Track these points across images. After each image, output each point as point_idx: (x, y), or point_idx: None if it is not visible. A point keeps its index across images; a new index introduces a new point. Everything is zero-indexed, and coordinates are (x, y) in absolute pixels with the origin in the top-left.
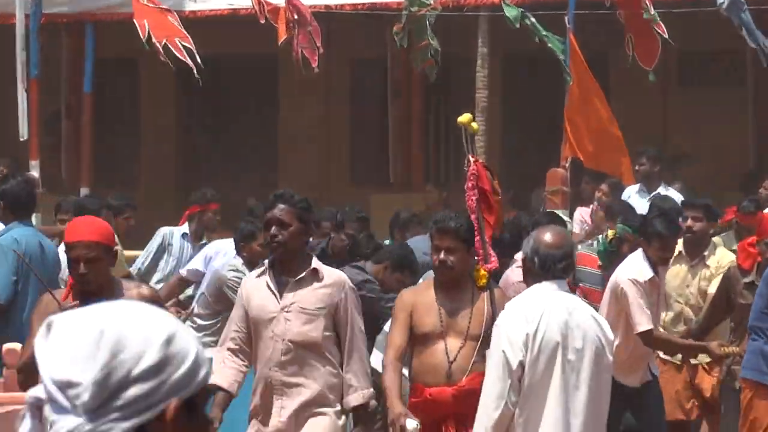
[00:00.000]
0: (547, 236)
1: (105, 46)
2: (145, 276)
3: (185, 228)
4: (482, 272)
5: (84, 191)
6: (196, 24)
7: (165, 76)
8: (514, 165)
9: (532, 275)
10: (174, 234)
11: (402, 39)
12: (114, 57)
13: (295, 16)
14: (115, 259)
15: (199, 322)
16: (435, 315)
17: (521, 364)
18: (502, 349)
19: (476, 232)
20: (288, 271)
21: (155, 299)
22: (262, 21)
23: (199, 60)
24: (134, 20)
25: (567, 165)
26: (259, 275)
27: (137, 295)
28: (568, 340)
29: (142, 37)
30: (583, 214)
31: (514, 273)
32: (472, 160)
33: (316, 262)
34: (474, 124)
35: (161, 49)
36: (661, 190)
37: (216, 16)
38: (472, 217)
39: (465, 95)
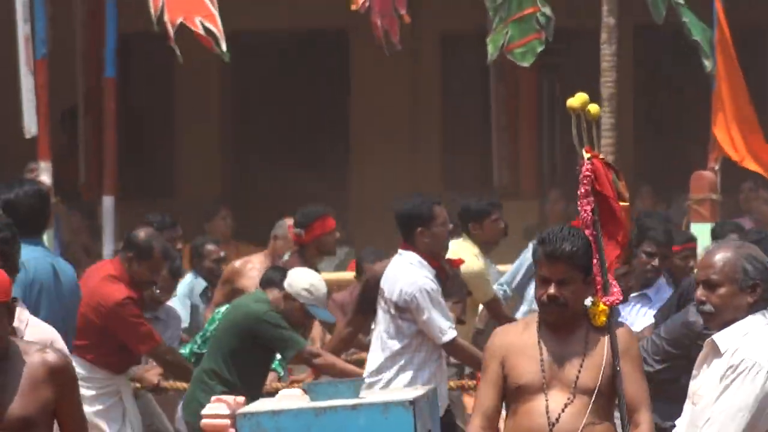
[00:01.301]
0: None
1: (131, 18)
2: (512, 296)
3: None
4: (601, 307)
5: (107, 201)
6: None
7: (207, 56)
8: (649, 167)
9: (759, 302)
10: None
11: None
12: (143, 31)
13: None
14: (12, 316)
15: None
16: (535, 362)
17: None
18: (746, 397)
19: (594, 255)
20: None
21: (61, 370)
22: None
23: (224, 47)
24: None
25: (717, 167)
26: None
27: (41, 363)
28: None
29: (152, 12)
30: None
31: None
32: (587, 155)
33: None
34: (593, 107)
35: (171, 33)
36: None
37: None
38: (587, 233)
39: (587, 78)
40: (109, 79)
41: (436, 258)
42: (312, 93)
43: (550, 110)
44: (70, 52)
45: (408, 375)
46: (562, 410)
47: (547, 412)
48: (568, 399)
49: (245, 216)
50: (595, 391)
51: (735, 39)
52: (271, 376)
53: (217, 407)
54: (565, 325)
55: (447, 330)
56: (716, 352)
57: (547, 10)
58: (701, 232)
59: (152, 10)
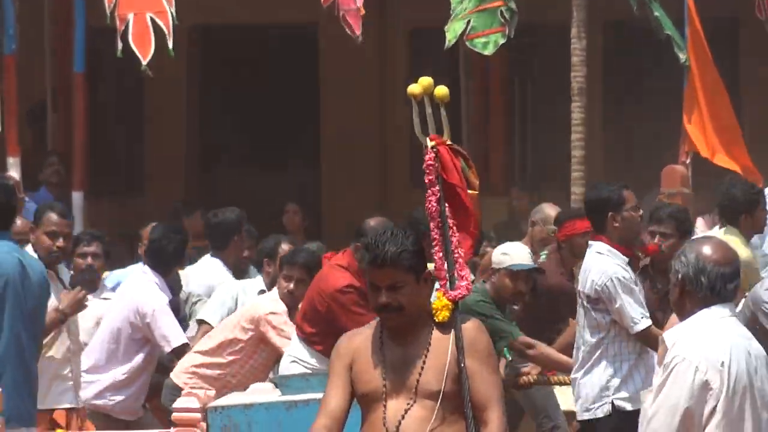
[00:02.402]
0: (712, 250)
1: (99, 11)
2: None
3: None
4: (443, 302)
5: (76, 197)
6: None
7: (176, 50)
8: (620, 162)
9: (694, 299)
10: None
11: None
12: (112, 26)
13: None
14: None
15: None
16: (378, 369)
17: (700, 413)
18: (678, 393)
19: (437, 246)
20: None
21: None
22: None
23: (170, 45)
24: None
25: (687, 161)
26: None
27: None
28: (755, 377)
29: (106, 5)
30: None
31: None
32: (431, 143)
33: None
34: (439, 90)
35: (120, 28)
36: None
37: None
38: (432, 225)
39: (556, 75)
40: (79, 74)
41: (627, 245)
42: (281, 87)
43: (522, 106)
44: (38, 47)
45: (604, 368)
46: (402, 418)
47: (384, 423)
48: (408, 405)
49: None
50: (440, 394)
51: (706, 29)
52: (503, 362)
53: (188, 401)
54: (409, 328)
55: (640, 319)
56: (665, 347)
57: (512, 5)
58: None
59: (106, 3)
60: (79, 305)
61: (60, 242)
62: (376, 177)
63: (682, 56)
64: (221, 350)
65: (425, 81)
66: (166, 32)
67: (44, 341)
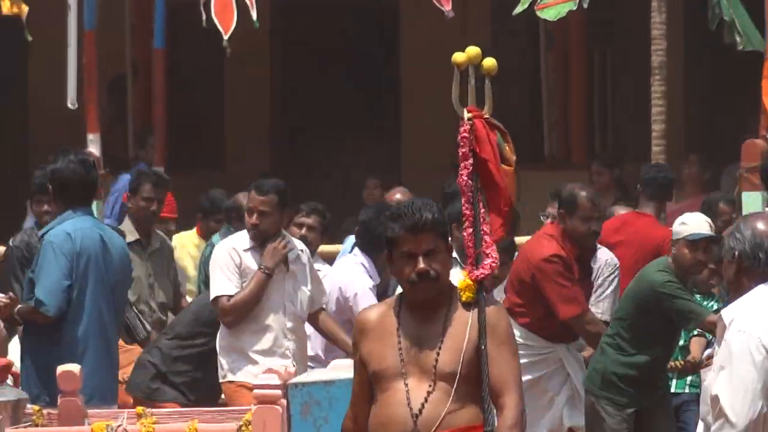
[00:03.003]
0: (766, 225)
1: None
2: None
3: None
4: (466, 281)
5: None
6: None
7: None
8: (701, 136)
9: (752, 275)
10: None
11: None
12: (191, 0)
13: None
14: None
15: None
16: (393, 347)
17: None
18: (747, 370)
19: (466, 222)
20: None
21: None
22: None
23: (254, 16)
24: None
25: None
26: None
27: None
28: None
29: None
30: None
31: None
32: (468, 115)
33: None
34: (488, 61)
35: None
36: None
37: None
38: (463, 200)
39: (637, 45)
40: (159, 50)
41: None
42: (363, 64)
43: (601, 79)
44: (118, 23)
45: None
46: (425, 401)
47: (408, 402)
48: (429, 387)
49: (297, 187)
50: (457, 376)
51: None
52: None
53: (268, 378)
54: (432, 304)
55: None
56: (723, 324)
57: None
58: (753, 200)
59: None
60: (280, 257)
61: (154, 206)
62: (455, 151)
63: (739, 41)
64: None
65: (472, 50)
66: (249, 4)
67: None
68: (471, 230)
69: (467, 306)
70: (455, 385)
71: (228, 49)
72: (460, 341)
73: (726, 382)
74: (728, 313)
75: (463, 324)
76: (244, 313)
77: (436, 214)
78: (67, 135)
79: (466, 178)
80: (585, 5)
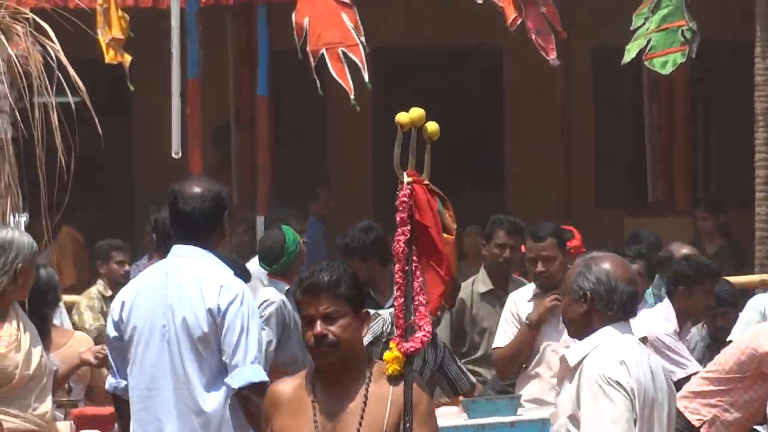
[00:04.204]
0: (620, 269)
1: (282, 35)
2: None
3: None
4: (393, 353)
5: (260, 221)
6: (385, 11)
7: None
8: None
9: (602, 318)
10: None
11: (645, 18)
12: (294, 48)
13: None
14: None
15: None
16: (309, 422)
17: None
18: (617, 404)
19: (398, 291)
20: None
21: None
22: (480, 0)
23: (366, 78)
24: (293, 17)
25: None
26: None
27: None
28: (657, 393)
29: (296, 40)
30: None
31: None
32: (407, 179)
33: None
34: (431, 125)
35: (313, 64)
36: None
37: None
38: (396, 268)
39: (739, 91)
40: (262, 98)
41: None
42: (464, 109)
43: (704, 124)
44: (222, 71)
45: None
46: None
47: None
48: None
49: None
50: None
51: None
52: None
53: None
54: (344, 375)
55: None
56: (567, 366)
57: (694, 25)
58: None
59: (296, 37)
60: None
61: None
62: (561, 198)
63: None
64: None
65: (416, 112)
66: (360, 66)
67: None
68: (402, 300)
69: (390, 380)
70: None
71: (357, 108)
72: (380, 419)
73: (594, 426)
74: (572, 354)
75: (382, 399)
76: None
77: (336, 276)
78: (171, 184)
79: (402, 245)
80: (693, 55)
